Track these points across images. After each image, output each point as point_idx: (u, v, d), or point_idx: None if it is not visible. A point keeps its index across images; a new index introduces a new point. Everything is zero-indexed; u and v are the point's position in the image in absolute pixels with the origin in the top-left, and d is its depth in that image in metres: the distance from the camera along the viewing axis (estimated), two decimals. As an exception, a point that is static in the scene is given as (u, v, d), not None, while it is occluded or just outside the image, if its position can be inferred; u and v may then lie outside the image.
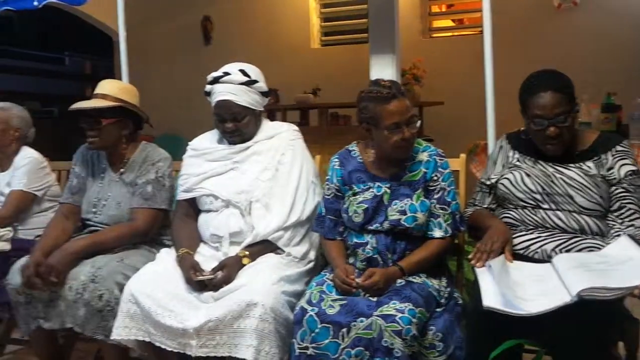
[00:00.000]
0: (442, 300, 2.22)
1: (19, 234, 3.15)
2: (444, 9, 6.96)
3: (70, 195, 2.85)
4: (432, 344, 2.10)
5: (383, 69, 3.58)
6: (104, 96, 2.72)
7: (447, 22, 7.05)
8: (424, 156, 2.36)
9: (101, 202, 2.77)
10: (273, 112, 5.69)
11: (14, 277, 2.58)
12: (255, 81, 2.54)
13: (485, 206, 2.44)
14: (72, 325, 2.48)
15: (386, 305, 2.06)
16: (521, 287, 1.96)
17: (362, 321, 2.05)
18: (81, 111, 2.68)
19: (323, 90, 6.15)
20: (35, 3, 4.09)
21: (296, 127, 2.70)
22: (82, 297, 2.43)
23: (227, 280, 2.28)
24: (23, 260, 2.60)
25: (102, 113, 2.68)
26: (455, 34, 6.93)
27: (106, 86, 2.77)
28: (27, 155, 3.23)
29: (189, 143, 2.72)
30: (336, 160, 2.47)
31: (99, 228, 2.75)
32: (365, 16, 6.33)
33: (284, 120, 5.49)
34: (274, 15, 7.16)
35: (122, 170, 2.78)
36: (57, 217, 2.85)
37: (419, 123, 2.30)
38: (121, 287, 2.41)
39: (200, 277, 2.28)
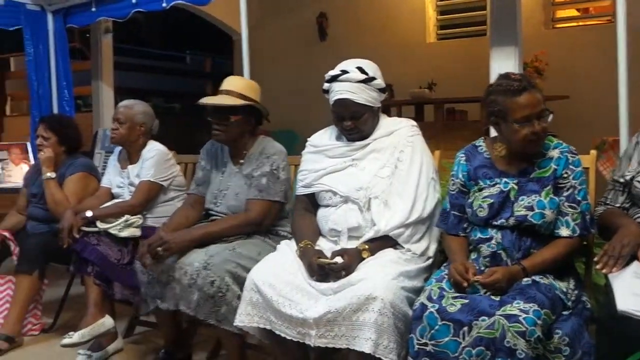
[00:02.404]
0: (569, 304, 2.13)
1: (147, 222, 3.35)
2: (568, -2, 6.65)
3: (196, 186, 3.03)
4: (558, 348, 2.02)
5: (504, 62, 3.46)
6: (228, 92, 2.83)
7: (572, 12, 6.74)
8: (554, 153, 2.27)
9: (222, 192, 2.90)
10: (388, 108, 5.68)
11: (137, 259, 2.77)
12: (373, 78, 2.52)
13: (618, 205, 2.31)
14: (185, 308, 2.60)
15: (509, 305, 2.00)
16: (660, 293, 1.84)
17: (484, 320, 1.99)
18: (209, 106, 2.83)
19: (439, 85, 6.06)
20: (164, 4, 4.32)
21: (415, 123, 2.67)
22: (196, 283, 2.55)
23: (347, 268, 2.29)
24: None
25: (231, 110, 2.80)
26: (580, 23, 6.60)
27: (232, 82, 2.89)
28: (154, 148, 3.41)
29: (308, 139, 2.76)
30: (462, 155, 2.43)
31: (219, 217, 2.89)
32: (483, 8, 6.19)
33: (398, 116, 5.46)
34: (390, 10, 7.14)
35: (241, 162, 2.90)
36: (183, 206, 3.05)
37: (550, 117, 2.21)
38: (232, 275, 2.53)
39: (322, 261, 2.31)
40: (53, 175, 3.52)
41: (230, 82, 2.89)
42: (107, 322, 3.08)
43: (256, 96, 2.88)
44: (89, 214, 3.23)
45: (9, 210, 3.87)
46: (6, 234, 3.53)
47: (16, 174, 4.92)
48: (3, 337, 3.28)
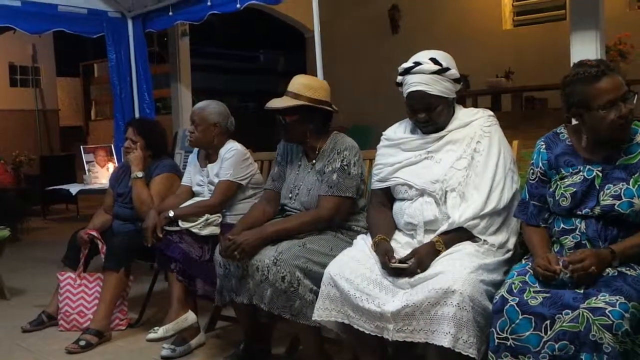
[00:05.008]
0: (661, 297, 2.02)
1: (227, 219, 3.41)
2: (654, -23, 6.32)
3: (272, 181, 3.07)
4: (650, 344, 1.92)
5: (585, 47, 3.33)
6: (288, 93, 2.85)
7: (658, -9, 6.40)
8: None
9: (296, 189, 2.94)
10: (463, 99, 5.57)
11: (219, 254, 2.83)
12: (447, 69, 2.47)
13: None
14: (258, 303, 2.65)
15: (594, 298, 1.92)
16: None
17: (567, 314, 1.93)
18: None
19: (516, 73, 5.90)
20: (238, 5, 4.41)
21: (491, 113, 2.60)
22: (267, 279, 2.59)
23: (421, 267, 2.26)
24: None
25: (285, 111, 2.83)
26: (668, 3, 6.26)
27: (292, 83, 2.89)
28: (232, 148, 3.45)
29: (383, 133, 2.73)
30: (542, 143, 2.35)
31: (294, 213, 2.92)
32: (561, -8, 5.99)
33: (474, 106, 5.35)
34: (463, -2, 7.01)
35: (314, 159, 2.91)
36: (259, 202, 3.11)
37: (635, 98, 2.11)
38: (302, 270, 2.56)
39: (395, 265, 2.29)
40: (141, 174, 3.63)
41: (291, 83, 2.89)
42: (190, 317, 3.16)
43: (317, 94, 2.83)
44: (171, 213, 3.32)
45: (96, 210, 4.04)
46: (94, 233, 3.69)
47: (102, 175, 5.15)
48: (93, 332, 3.42)
